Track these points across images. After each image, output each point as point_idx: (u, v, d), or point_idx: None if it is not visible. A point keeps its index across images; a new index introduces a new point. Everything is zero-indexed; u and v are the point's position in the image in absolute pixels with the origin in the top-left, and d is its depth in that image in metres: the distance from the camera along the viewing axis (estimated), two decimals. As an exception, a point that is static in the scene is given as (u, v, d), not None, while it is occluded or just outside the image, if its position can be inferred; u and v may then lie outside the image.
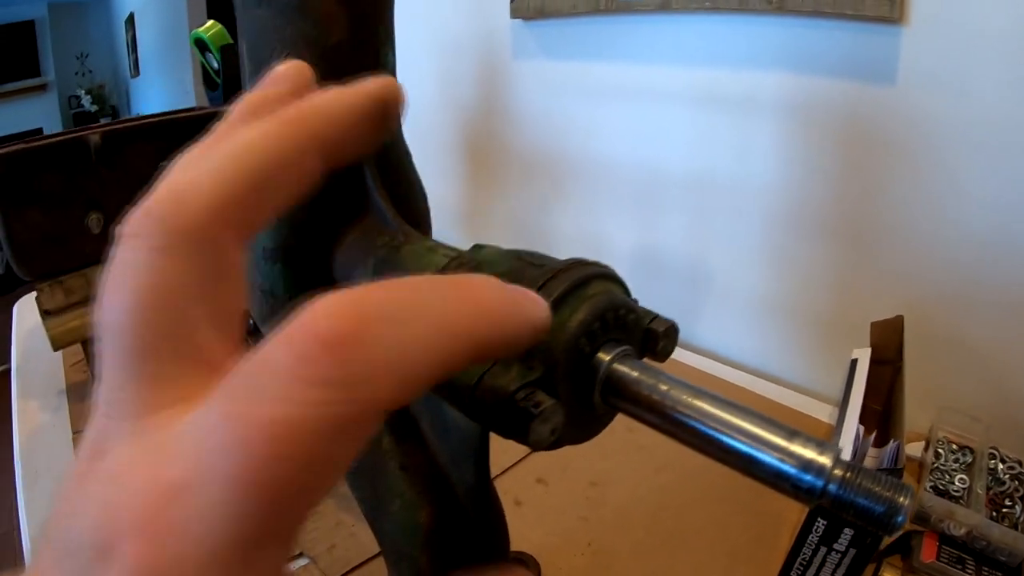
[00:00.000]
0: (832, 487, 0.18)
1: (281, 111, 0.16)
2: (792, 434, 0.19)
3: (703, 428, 0.20)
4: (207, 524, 0.11)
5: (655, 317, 0.25)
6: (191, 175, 0.15)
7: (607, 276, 0.23)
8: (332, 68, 0.32)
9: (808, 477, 0.18)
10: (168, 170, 0.16)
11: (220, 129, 0.17)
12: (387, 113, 0.18)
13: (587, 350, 0.21)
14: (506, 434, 0.20)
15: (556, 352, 0.20)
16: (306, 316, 0.12)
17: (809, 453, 0.18)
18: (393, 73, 0.35)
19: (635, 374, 0.21)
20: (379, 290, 0.13)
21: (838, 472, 0.18)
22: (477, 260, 0.24)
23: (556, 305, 0.21)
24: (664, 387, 0.21)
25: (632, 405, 0.21)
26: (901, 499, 0.18)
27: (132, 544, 0.12)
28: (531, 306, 0.15)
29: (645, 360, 0.25)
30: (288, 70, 0.19)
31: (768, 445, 0.19)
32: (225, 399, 0.12)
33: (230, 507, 0.11)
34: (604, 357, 0.22)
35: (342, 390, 0.12)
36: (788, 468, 0.19)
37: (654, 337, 0.24)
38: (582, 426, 0.23)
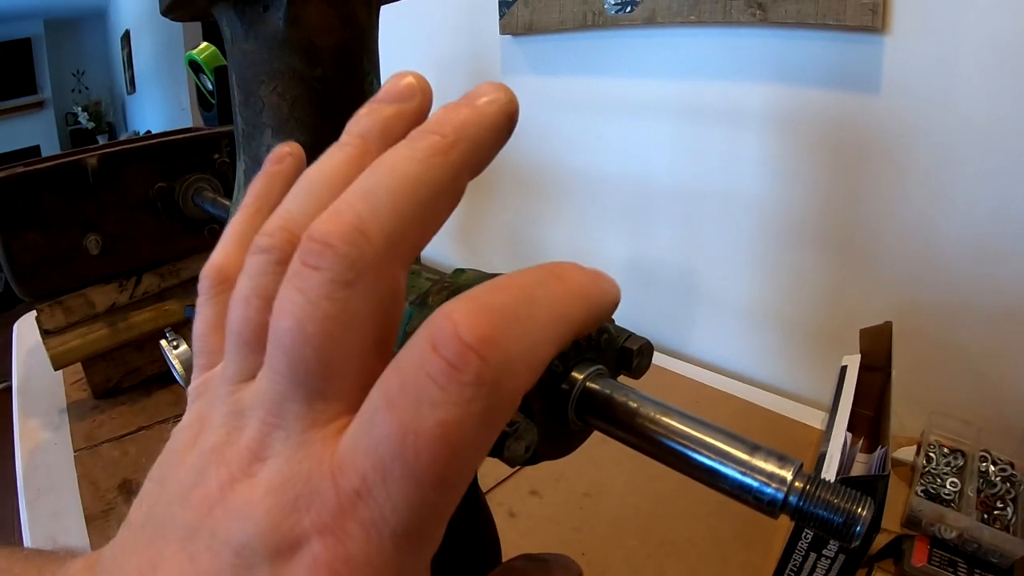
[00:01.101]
0: (793, 499, 0.19)
1: (431, 139, 0.17)
2: (754, 448, 0.20)
3: (670, 443, 0.21)
4: (389, 518, 0.14)
5: (629, 336, 0.25)
6: (365, 207, 0.15)
7: (581, 298, 0.24)
8: (318, 98, 0.33)
9: (769, 490, 0.19)
10: (324, 172, 0.18)
11: (364, 140, 0.18)
12: (513, 123, 0.18)
13: (560, 370, 0.22)
14: None
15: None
16: (446, 323, 0.13)
17: (770, 467, 0.19)
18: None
19: (606, 392, 0.22)
20: (501, 292, 0.15)
21: (798, 484, 0.19)
22: (457, 284, 0.25)
23: None
24: (634, 404, 0.22)
25: (604, 422, 0.22)
26: (859, 510, 0.19)
27: (320, 543, 0.14)
28: (608, 285, 0.18)
29: (620, 378, 0.26)
30: (410, 86, 0.19)
31: (731, 459, 0.20)
32: (389, 412, 0.14)
33: (411, 504, 0.13)
34: (578, 376, 0.23)
35: (491, 385, 0.13)
36: (750, 481, 0.19)
37: (628, 355, 0.25)
38: (558, 442, 0.24)
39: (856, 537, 0.19)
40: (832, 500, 0.19)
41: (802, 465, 0.20)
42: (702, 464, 0.20)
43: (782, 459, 0.20)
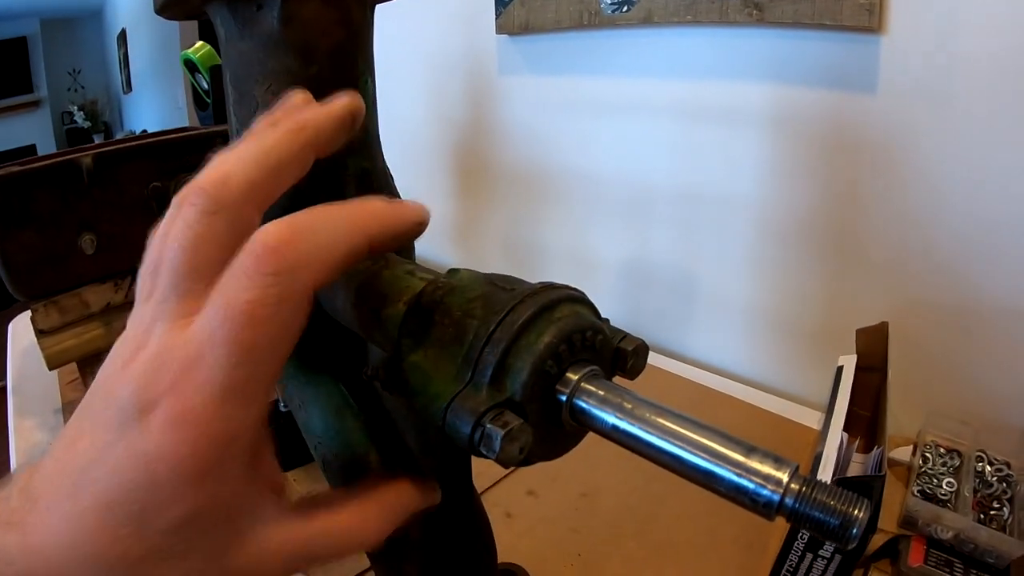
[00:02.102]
0: (789, 501, 0.19)
1: (288, 122, 0.23)
2: (750, 450, 0.20)
3: (665, 445, 0.21)
4: (216, 377, 0.19)
5: (624, 336, 0.25)
6: (231, 165, 0.22)
7: (575, 299, 0.24)
8: (313, 97, 0.33)
9: (765, 492, 0.19)
10: (213, 159, 0.23)
11: (251, 134, 0.24)
12: (354, 120, 0.25)
13: (554, 371, 0.22)
14: (477, 453, 0.21)
15: (524, 374, 0.21)
16: (260, 233, 0.20)
17: (766, 468, 0.19)
18: (373, 100, 0.36)
19: (601, 393, 0.22)
20: (307, 212, 0.21)
21: (794, 486, 0.19)
22: (451, 284, 0.25)
23: (523, 329, 0.22)
24: (628, 405, 0.22)
25: (598, 424, 0.22)
26: (856, 512, 0.19)
27: (168, 399, 0.19)
28: (408, 209, 0.24)
29: (615, 379, 0.25)
30: (297, 101, 0.26)
31: (727, 461, 0.20)
32: (218, 297, 0.19)
33: (229, 361, 0.19)
34: (572, 377, 0.23)
35: (285, 275, 0.19)
36: (746, 483, 0.19)
37: (623, 356, 0.25)
38: (553, 443, 0.24)
39: (852, 539, 0.19)
40: (828, 502, 0.19)
41: (798, 467, 0.20)
42: (697, 466, 0.20)
43: (778, 461, 0.19)
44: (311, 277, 0.20)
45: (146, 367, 0.19)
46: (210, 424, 0.19)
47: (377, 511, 0.25)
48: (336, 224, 0.21)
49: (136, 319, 0.22)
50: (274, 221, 0.20)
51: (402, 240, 0.23)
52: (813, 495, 0.19)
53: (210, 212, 0.21)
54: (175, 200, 0.22)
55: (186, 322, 0.20)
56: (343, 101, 0.25)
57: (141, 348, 0.20)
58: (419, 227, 0.24)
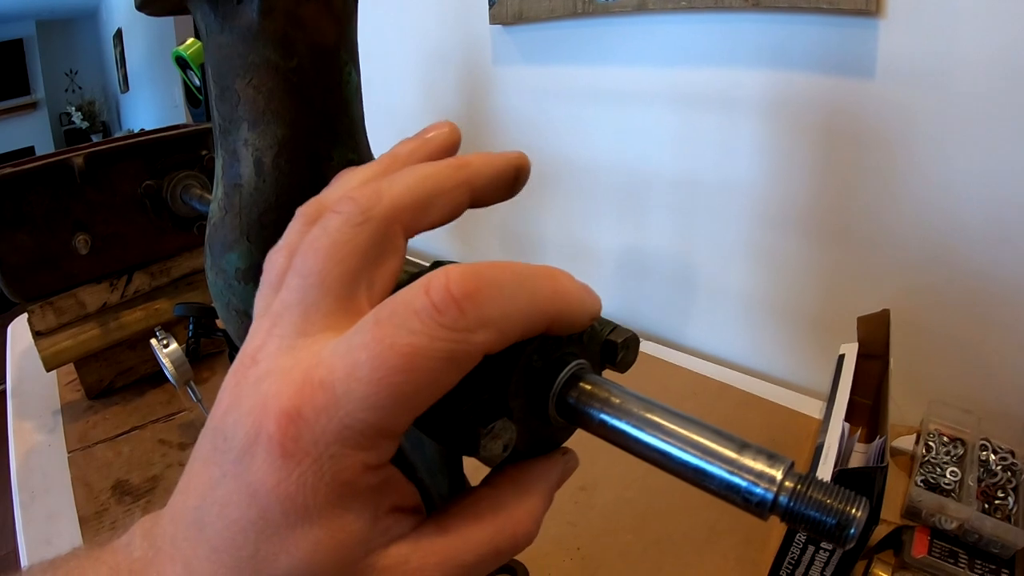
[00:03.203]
0: (783, 499, 0.18)
1: (449, 161, 0.22)
2: (743, 446, 0.19)
3: (654, 441, 0.20)
4: (344, 410, 0.16)
5: (614, 328, 0.25)
6: (386, 183, 0.20)
7: (562, 292, 0.23)
8: (295, 90, 0.32)
9: (758, 490, 0.18)
10: (345, 175, 0.23)
11: (387, 159, 0.23)
12: (518, 177, 0.23)
13: (539, 365, 0.21)
14: (459, 450, 0.20)
15: (507, 369, 0.21)
16: (441, 276, 0.17)
17: (759, 465, 0.19)
18: (357, 90, 0.35)
19: (588, 388, 0.21)
20: (496, 268, 0.18)
21: (789, 484, 0.18)
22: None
23: None
24: (616, 400, 0.21)
25: (586, 419, 0.21)
26: (854, 511, 0.18)
27: (274, 425, 0.16)
28: (591, 298, 0.21)
29: (606, 372, 0.25)
30: (441, 131, 0.24)
31: (718, 457, 0.19)
32: (375, 327, 0.17)
33: (365, 402, 0.16)
34: (559, 372, 0.22)
35: (460, 332, 0.17)
36: (738, 480, 0.19)
37: (613, 348, 0.24)
38: (540, 440, 0.23)
39: (850, 539, 0.18)
40: (825, 500, 0.18)
41: (793, 464, 0.19)
42: (687, 463, 0.19)
43: (772, 457, 0.19)
44: (486, 341, 0.17)
45: (252, 389, 0.18)
46: (322, 456, 0.16)
47: (519, 499, 0.22)
48: (524, 292, 0.18)
49: (251, 335, 0.20)
50: (458, 266, 0.18)
51: (575, 328, 0.21)
52: (808, 493, 0.18)
53: (357, 222, 0.19)
54: (302, 211, 0.21)
55: (309, 341, 0.18)
56: (512, 155, 0.23)
57: (251, 367, 0.18)
58: (593, 319, 0.21)
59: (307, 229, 0.20)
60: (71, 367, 0.93)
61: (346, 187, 0.21)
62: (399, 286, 0.26)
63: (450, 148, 0.24)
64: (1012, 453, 0.68)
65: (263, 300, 0.20)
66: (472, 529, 0.20)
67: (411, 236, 0.21)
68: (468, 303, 0.17)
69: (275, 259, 0.21)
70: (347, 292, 0.19)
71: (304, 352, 0.18)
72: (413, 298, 0.17)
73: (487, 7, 1.10)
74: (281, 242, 0.21)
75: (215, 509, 0.17)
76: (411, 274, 0.26)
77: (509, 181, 0.23)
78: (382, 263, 0.20)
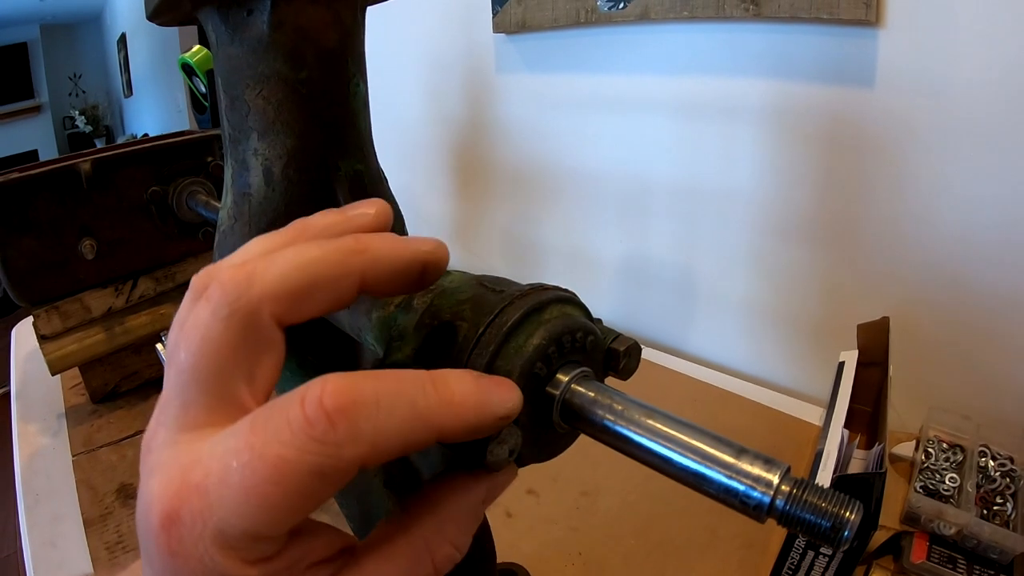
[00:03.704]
0: (779, 503, 0.19)
1: (344, 241, 0.20)
2: (741, 451, 0.20)
3: (655, 446, 0.21)
4: (218, 516, 0.16)
5: (617, 336, 0.25)
6: (262, 265, 0.19)
7: (565, 300, 0.24)
8: (304, 101, 0.33)
9: (756, 494, 0.19)
10: (244, 248, 0.21)
11: (295, 229, 0.22)
12: (424, 272, 0.21)
13: (543, 373, 0.22)
14: (466, 456, 0.21)
15: (512, 376, 0.21)
16: (317, 387, 0.17)
17: (756, 470, 0.19)
18: (365, 102, 0.35)
19: (591, 395, 0.22)
20: (375, 379, 0.18)
21: (785, 488, 0.19)
22: (441, 286, 0.25)
23: (512, 331, 0.22)
24: (619, 407, 0.21)
25: (589, 425, 0.22)
26: (848, 514, 0.18)
27: (160, 524, 0.17)
28: (498, 399, 0.20)
29: (608, 380, 0.25)
30: (366, 214, 0.22)
31: (717, 462, 0.20)
32: (249, 432, 0.17)
33: (239, 508, 0.16)
34: (562, 379, 0.22)
35: (331, 447, 0.16)
36: (736, 485, 0.19)
37: (615, 356, 0.25)
38: (544, 445, 0.24)
39: (844, 541, 0.19)
40: (819, 504, 0.19)
41: (789, 468, 0.19)
42: (687, 468, 0.20)
43: (769, 462, 0.19)
44: (358, 457, 0.17)
45: (148, 484, 0.18)
46: (202, 562, 0.16)
47: (439, 523, 0.21)
48: (403, 405, 0.18)
49: (152, 418, 0.20)
50: (337, 377, 0.17)
51: (479, 435, 0.20)
52: (804, 497, 0.19)
53: (223, 315, 0.18)
54: (193, 283, 0.20)
55: (189, 436, 0.18)
56: (422, 248, 0.21)
57: (147, 455, 0.19)
58: (504, 421, 0.20)
59: (193, 307, 0.19)
60: (76, 371, 0.93)
61: (232, 260, 0.20)
62: (406, 298, 0.26)
63: (378, 228, 0.22)
64: (1011, 459, 0.68)
65: (167, 367, 0.20)
66: (387, 566, 0.20)
67: (290, 324, 0.19)
68: (339, 417, 0.16)
69: (171, 335, 0.20)
70: (223, 388, 0.18)
71: (183, 448, 0.18)
72: (288, 407, 0.17)
73: (490, 16, 1.11)
74: (179, 313, 0.20)
75: None
76: (399, 306, 0.26)
77: (412, 277, 0.21)
78: (258, 357, 0.19)
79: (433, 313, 0.24)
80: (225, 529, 0.16)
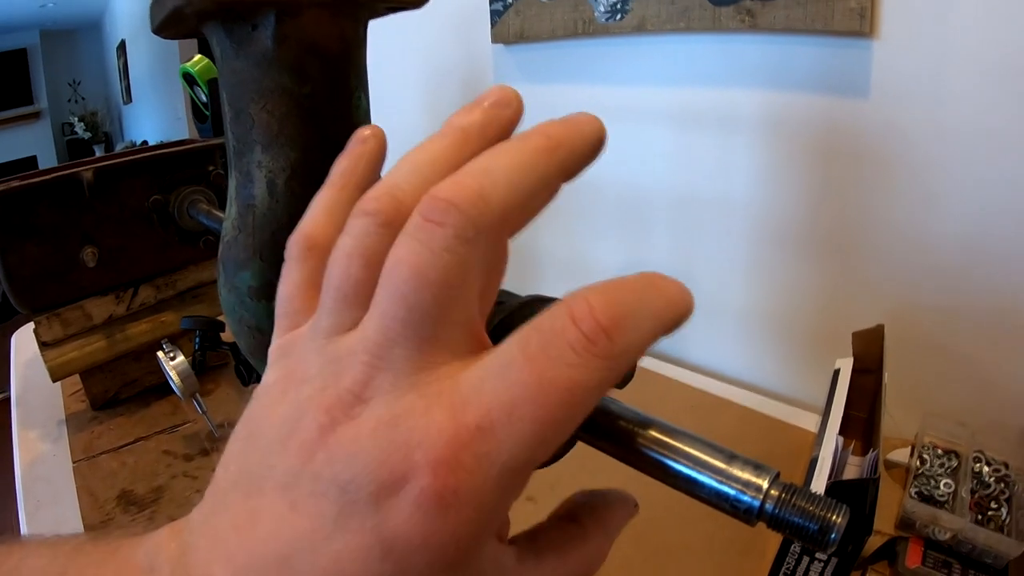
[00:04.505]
0: (769, 507, 0.19)
1: (537, 140, 0.19)
2: (731, 457, 0.20)
3: (648, 452, 0.21)
4: (506, 454, 0.15)
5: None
6: (487, 181, 0.17)
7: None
8: (307, 115, 0.33)
9: (745, 498, 0.20)
10: (425, 154, 0.20)
11: (463, 132, 0.20)
12: (602, 144, 0.21)
13: None
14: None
15: None
16: (584, 304, 0.16)
17: (746, 475, 0.20)
18: (367, 115, 0.36)
19: None
20: (623, 291, 0.17)
21: (774, 492, 0.20)
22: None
23: None
24: (613, 414, 0.22)
25: (583, 431, 0.23)
26: (834, 518, 0.19)
27: (430, 475, 0.15)
28: (689, 298, 0.19)
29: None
30: (507, 96, 0.21)
31: (708, 468, 0.20)
32: (529, 361, 0.16)
33: (533, 440, 0.15)
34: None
35: (612, 360, 0.16)
36: (727, 489, 0.20)
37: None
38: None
39: (831, 543, 0.19)
40: (807, 508, 0.19)
41: (779, 474, 0.20)
42: (680, 473, 0.21)
43: (758, 468, 0.20)
44: (627, 367, 0.17)
45: (388, 431, 0.16)
46: (482, 506, 0.16)
47: (600, 533, 0.23)
48: (648, 312, 0.18)
49: (324, 360, 0.18)
50: (594, 290, 0.17)
51: (678, 328, 0.20)
52: (792, 501, 0.19)
53: (469, 237, 0.17)
54: (373, 209, 0.18)
55: (431, 376, 0.17)
56: (593, 122, 0.20)
57: (356, 406, 0.17)
58: (691, 314, 0.20)
59: (386, 232, 0.18)
60: (76, 377, 0.94)
61: (423, 178, 0.19)
62: None
63: (518, 120, 0.21)
64: (1005, 465, 0.69)
65: (332, 318, 0.18)
66: (562, 563, 0.21)
67: (517, 233, 0.19)
68: (616, 331, 0.16)
69: (346, 265, 0.18)
70: (466, 317, 0.18)
71: (432, 388, 0.17)
72: (563, 329, 0.16)
73: (489, 26, 1.12)
74: (348, 242, 0.18)
75: (323, 562, 0.16)
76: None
77: (595, 152, 0.20)
78: (494, 275, 0.19)
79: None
80: (514, 465, 0.16)
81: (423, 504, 0.15)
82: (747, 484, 0.20)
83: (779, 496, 0.19)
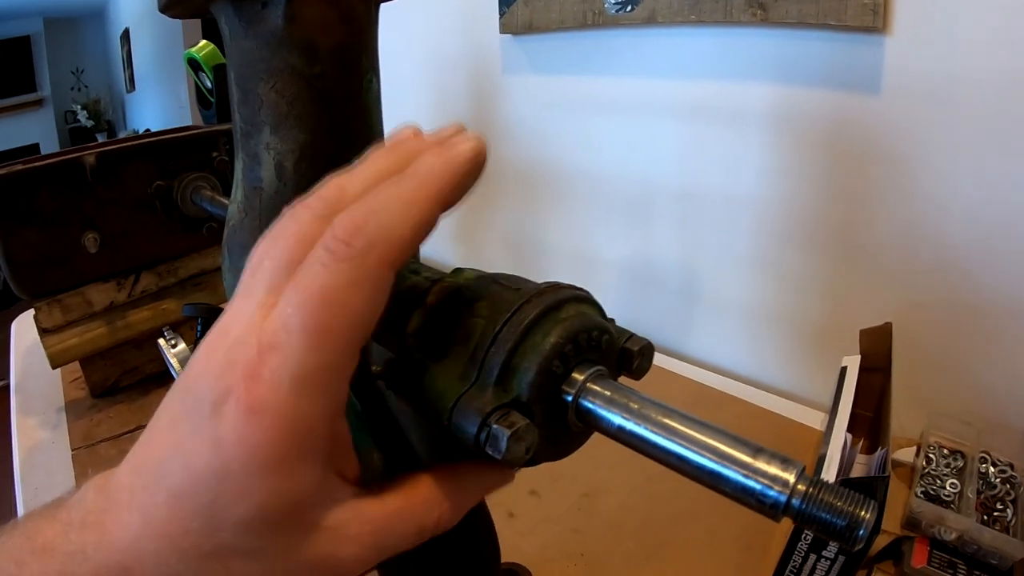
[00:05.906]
0: (795, 502, 0.19)
1: (419, 176, 0.21)
2: (757, 451, 0.20)
3: (671, 446, 0.21)
4: (289, 364, 0.18)
5: (630, 336, 0.25)
6: (383, 216, 0.20)
7: (581, 299, 0.24)
8: (317, 96, 0.33)
9: (772, 492, 0.19)
10: (330, 182, 0.22)
11: (373, 169, 0.22)
12: (480, 169, 0.22)
13: (560, 371, 0.22)
14: (483, 453, 0.21)
15: (530, 374, 0.21)
16: (328, 231, 0.19)
17: (773, 469, 0.19)
18: (377, 99, 0.36)
19: (607, 393, 0.22)
20: (370, 196, 0.20)
21: (801, 487, 0.19)
22: (456, 283, 0.25)
23: (529, 329, 0.22)
24: (635, 406, 0.21)
25: (605, 424, 0.22)
26: (862, 513, 0.19)
27: (243, 387, 0.18)
28: (464, 150, 0.21)
29: (621, 379, 0.25)
30: (407, 138, 0.24)
31: (734, 462, 0.20)
32: (292, 284, 0.19)
33: (303, 346, 0.18)
34: (578, 377, 0.22)
35: (358, 258, 0.19)
36: (753, 484, 0.19)
37: (629, 356, 0.25)
38: (559, 443, 0.24)
39: (859, 540, 0.19)
40: (835, 503, 0.19)
41: (804, 468, 0.20)
42: (704, 467, 0.20)
43: (785, 462, 0.19)
44: (383, 257, 0.19)
45: (222, 357, 0.19)
46: (283, 414, 0.18)
47: (454, 488, 0.24)
48: (400, 199, 0.20)
49: (226, 313, 0.21)
50: (347, 210, 0.20)
51: (471, 184, 0.22)
52: (820, 496, 0.19)
53: (356, 264, 0.19)
54: (299, 219, 0.21)
55: (264, 314, 0.20)
56: (468, 146, 0.22)
57: (224, 333, 0.20)
58: (479, 163, 0.22)
59: (301, 249, 0.20)
60: (76, 365, 0.93)
61: (339, 205, 0.21)
62: (416, 293, 0.26)
63: (479, 170, 0.23)
64: (1011, 466, 0.69)
65: (255, 292, 0.21)
66: (406, 506, 0.23)
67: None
68: (352, 236, 0.19)
69: (265, 262, 0.21)
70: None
71: (258, 321, 0.20)
72: (316, 251, 0.19)
73: (497, 16, 1.11)
74: (277, 239, 0.21)
75: (180, 460, 0.19)
76: (432, 280, 0.26)
77: (473, 179, 0.22)
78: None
79: (449, 311, 0.24)
80: (302, 371, 0.18)
81: (238, 412, 0.18)
82: (774, 479, 0.19)
83: (806, 491, 0.19)
